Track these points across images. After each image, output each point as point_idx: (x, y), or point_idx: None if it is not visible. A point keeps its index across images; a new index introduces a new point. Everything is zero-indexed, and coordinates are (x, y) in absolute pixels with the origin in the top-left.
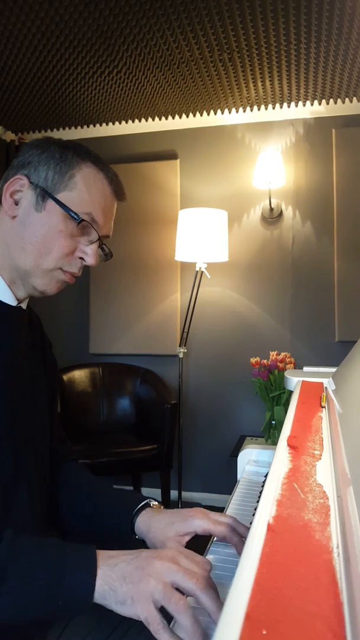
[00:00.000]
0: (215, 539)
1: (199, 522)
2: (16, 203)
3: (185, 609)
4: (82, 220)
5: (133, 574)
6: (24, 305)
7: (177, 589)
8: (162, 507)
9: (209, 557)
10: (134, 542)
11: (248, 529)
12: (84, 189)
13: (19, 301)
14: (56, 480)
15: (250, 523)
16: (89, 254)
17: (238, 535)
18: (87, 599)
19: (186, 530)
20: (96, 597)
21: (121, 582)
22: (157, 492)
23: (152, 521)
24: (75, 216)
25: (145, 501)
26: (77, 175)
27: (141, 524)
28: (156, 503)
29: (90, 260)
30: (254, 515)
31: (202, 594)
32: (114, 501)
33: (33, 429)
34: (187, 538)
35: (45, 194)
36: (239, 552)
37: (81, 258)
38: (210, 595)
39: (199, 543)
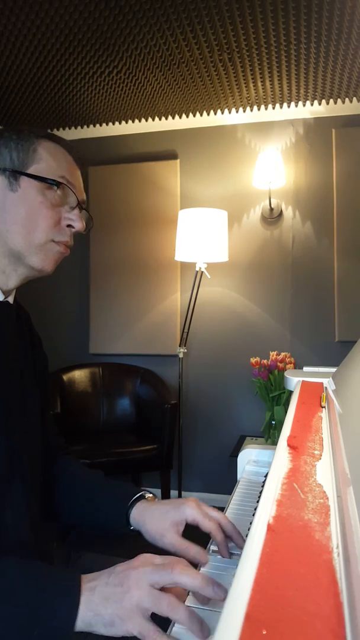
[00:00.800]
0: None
1: (190, 511)
2: None
3: (177, 605)
4: (60, 183)
5: (114, 593)
6: (10, 300)
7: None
8: (156, 498)
9: (208, 557)
10: (129, 533)
11: (238, 531)
12: (49, 157)
13: (6, 294)
14: (51, 475)
15: (250, 523)
16: (75, 218)
17: (223, 534)
18: (66, 629)
19: (179, 518)
20: (80, 625)
21: (104, 604)
22: (157, 492)
23: (147, 512)
24: (53, 182)
25: (140, 493)
26: (39, 148)
27: (136, 515)
28: (150, 495)
29: (77, 224)
30: (254, 515)
31: (181, 577)
32: (109, 494)
33: (26, 424)
34: (182, 527)
35: (15, 173)
36: (221, 552)
37: (69, 226)
38: (189, 574)
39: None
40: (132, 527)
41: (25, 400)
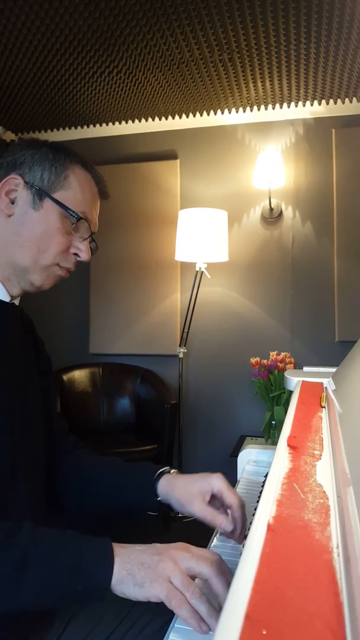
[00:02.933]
0: (218, 534)
1: (217, 482)
2: (12, 202)
3: (200, 595)
4: (80, 218)
5: (150, 560)
6: (16, 302)
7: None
8: (178, 472)
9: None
10: (157, 508)
11: (245, 523)
12: (77, 188)
13: (12, 298)
14: (66, 468)
15: (250, 523)
16: (83, 249)
17: (241, 512)
18: (105, 583)
19: (207, 487)
20: (114, 582)
21: (139, 566)
22: None
23: (175, 482)
24: (74, 214)
25: (166, 467)
26: (71, 175)
27: (164, 486)
28: (175, 470)
29: (84, 255)
30: (254, 515)
31: (216, 578)
32: (133, 473)
33: (29, 423)
34: (208, 496)
35: (42, 193)
36: (235, 532)
37: (75, 254)
38: (223, 580)
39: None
40: (159, 499)
41: (28, 399)
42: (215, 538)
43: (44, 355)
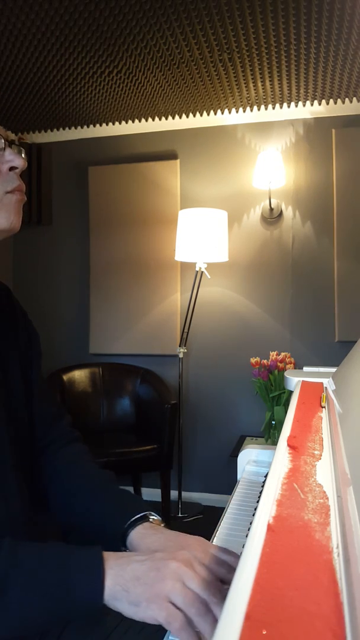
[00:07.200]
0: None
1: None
2: None
3: (205, 612)
4: None
5: (147, 575)
6: None
7: None
8: (162, 523)
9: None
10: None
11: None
12: None
13: None
14: (50, 468)
15: (250, 523)
16: (11, 158)
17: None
18: (96, 600)
19: None
20: (107, 598)
21: (134, 582)
22: (157, 492)
23: (147, 540)
24: None
25: (143, 513)
26: None
27: (135, 539)
28: (156, 518)
29: (17, 161)
30: (254, 515)
31: (217, 607)
32: (109, 502)
33: (9, 411)
34: None
35: None
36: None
37: (10, 168)
38: (212, 618)
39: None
40: (126, 549)
41: (7, 384)
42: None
43: (26, 332)
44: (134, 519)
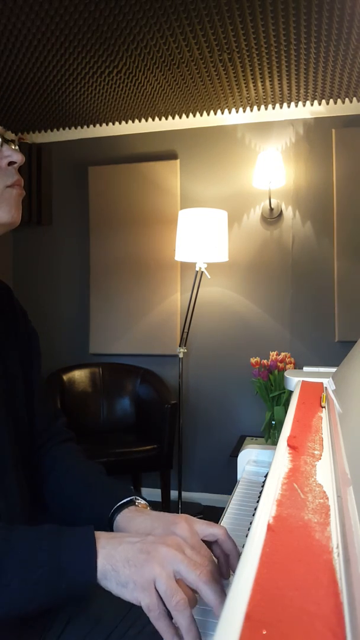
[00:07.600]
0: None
1: (182, 531)
2: None
3: (184, 608)
4: None
5: (137, 557)
6: None
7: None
8: (148, 507)
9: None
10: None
11: (237, 551)
12: None
13: None
14: (44, 465)
15: (250, 523)
16: (9, 153)
17: (232, 547)
18: (90, 578)
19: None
20: (99, 576)
21: (124, 563)
22: (157, 492)
23: (133, 523)
24: None
25: (129, 498)
26: None
27: (121, 523)
28: (142, 502)
29: (15, 157)
30: (254, 515)
31: (205, 587)
32: (97, 490)
33: (10, 409)
34: None
35: None
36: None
37: (8, 163)
38: (214, 588)
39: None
40: None
41: (7, 383)
42: None
43: (26, 331)
44: (120, 503)
